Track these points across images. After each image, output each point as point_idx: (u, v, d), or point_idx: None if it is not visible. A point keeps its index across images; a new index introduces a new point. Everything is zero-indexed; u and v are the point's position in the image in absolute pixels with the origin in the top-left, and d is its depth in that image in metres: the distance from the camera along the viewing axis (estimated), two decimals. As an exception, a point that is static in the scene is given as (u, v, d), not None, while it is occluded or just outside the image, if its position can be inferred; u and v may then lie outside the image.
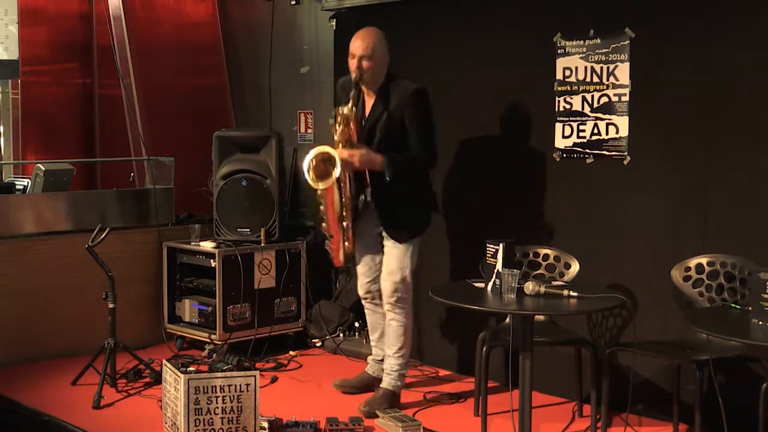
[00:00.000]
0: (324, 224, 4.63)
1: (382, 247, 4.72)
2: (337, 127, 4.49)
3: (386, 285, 4.68)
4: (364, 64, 4.49)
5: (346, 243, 4.67)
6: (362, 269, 4.87)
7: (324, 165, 4.41)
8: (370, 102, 4.62)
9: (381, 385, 4.72)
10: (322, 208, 4.58)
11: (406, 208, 4.65)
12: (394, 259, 4.65)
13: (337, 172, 4.37)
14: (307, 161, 4.42)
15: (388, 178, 4.48)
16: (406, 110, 4.51)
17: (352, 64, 4.51)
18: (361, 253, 4.82)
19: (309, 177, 4.42)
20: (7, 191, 5.76)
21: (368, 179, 4.59)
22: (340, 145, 4.46)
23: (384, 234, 4.68)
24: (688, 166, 4.46)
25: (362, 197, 4.64)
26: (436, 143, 4.65)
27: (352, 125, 4.46)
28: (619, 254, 4.71)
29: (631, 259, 4.66)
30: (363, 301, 4.98)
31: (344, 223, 4.60)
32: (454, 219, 5.39)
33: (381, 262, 4.74)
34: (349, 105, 4.45)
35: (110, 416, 4.59)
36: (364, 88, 4.59)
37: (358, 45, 4.51)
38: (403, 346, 4.72)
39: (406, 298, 4.69)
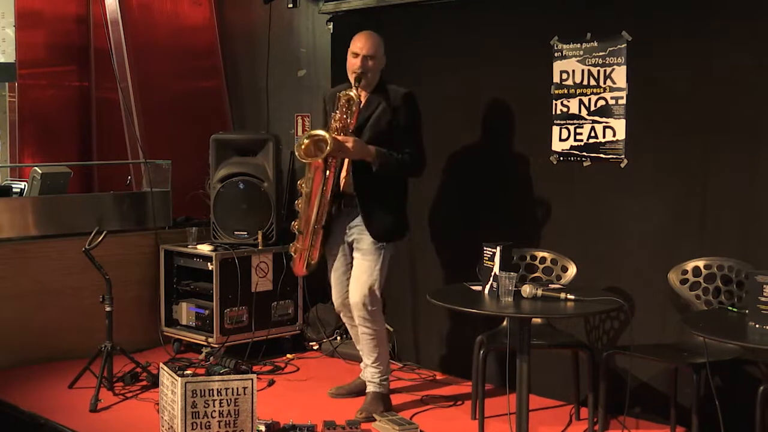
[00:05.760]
0: (296, 221, 4.60)
1: (352, 259, 4.70)
2: (336, 113, 4.47)
3: (354, 298, 4.63)
4: (369, 63, 4.50)
5: (312, 251, 4.61)
6: (335, 283, 4.83)
7: (316, 147, 4.40)
8: (360, 96, 4.57)
9: (368, 390, 4.72)
10: (298, 202, 4.56)
11: (387, 210, 4.61)
12: (363, 272, 4.61)
13: (329, 148, 4.33)
14: (300, 139, 4.40)
15: (375, 169, 4.46)
16: (396, 112, 4.51)
17: (355, 62, 4.50)
18: (332, 267, 4.80)
19: (298, 153, 4.40)
20: (4, 194, 5.75)
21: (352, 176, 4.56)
22: (336, 131, 4.44)
23: (355, 245, 4.64)
24: (685, 168, 4.46)
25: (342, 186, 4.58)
26: (425, 150, 4.64)
27: (354, 112, 4.45)
28: (616, 257, 4.71)
29: (628, 262, 4.66)
30: (340, 314, 4.96)
31: (316, 227, 4.55)
32: (451, 222, 5.39)
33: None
34: (355, 91, 4.46)
35: (107, 419, 4.59)
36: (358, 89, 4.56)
37: (362, 44, 4.51)
38: (378, 356, 4.71)
39: (375, 310, 4.64)
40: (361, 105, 4.54)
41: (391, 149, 4.51)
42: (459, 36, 5.31)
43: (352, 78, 4.52)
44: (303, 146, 4.41)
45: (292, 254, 4.71)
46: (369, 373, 4.74)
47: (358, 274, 4.64)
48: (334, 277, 4.82)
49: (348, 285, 4.73)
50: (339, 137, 4.40)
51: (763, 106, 4.20)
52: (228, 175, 5.78)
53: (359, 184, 4.55)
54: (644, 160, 4.60)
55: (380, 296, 4.65)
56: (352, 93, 4.47)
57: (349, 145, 4.41)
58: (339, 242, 4.71)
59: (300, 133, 6.41)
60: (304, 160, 4.44)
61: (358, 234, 4.63)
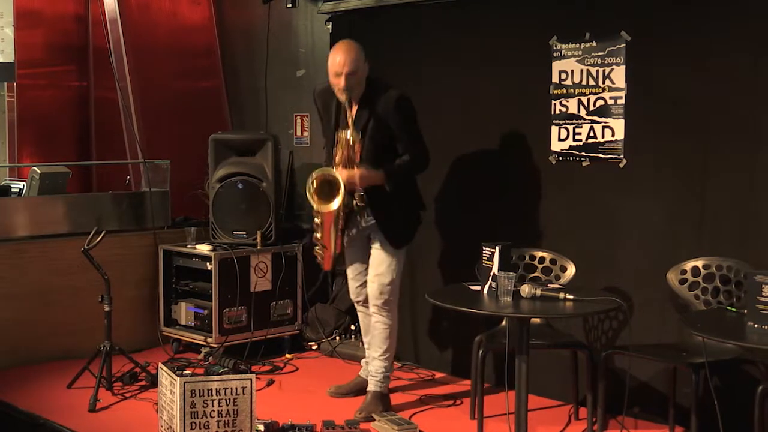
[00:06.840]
0: (317, 234, 4.62)
1: (371, 249, 4.72)
2: (336, 149, 4.50)
3: (373, 287, 4.68)
4: (352, 79, 4.45)
5: (336, 248, 4.64)
6: (352, 274, 4.86)
7: (325, 186, 4.45)
8: (352, 110, 4.56)
9: (368, 389, 4.72)
10: (317, 220, 4.59)
11: (401, 215, 4.66)
12: (382, 261, 4.64)
13: (341, 196, 4.41)
14: (309, 184, 4.44)
15: (389, 189, 4.52)
16: (391, 118, 4.50)
17: (338, 82, 4.46)
18: (350, 257, 4.82)
19: (313, 201, 4.45)
20: (2, 194, 5.75)
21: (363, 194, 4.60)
22: (340, 166, 4.47)
23: (372, 236, 4.68)
24: (683, 168, 4.46)
25: (354, 202, 4.61)
26: (425, 144, 4.64)
27: (356, 147, 4.46)
28: (615, 257, 4.71)
29: (626, 262, 4.66)
30: (356, 305, 4.99)
31: (339, 227, 4.59)
32: (451, 222, 5.39)
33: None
34: (351, 129, 4.44)
35: (106, 419, 4.58)
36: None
37: (341, 62, 4.44)
38: (388, 348, 4.73)
39: (393, 300, 4.69)
40: (354, 114, 4.51)
41: (392, 153, 4.54)
42: (458, 36, 5.31)
43: (339, 95, 4.49)
44: (314, 191, 4.43)
45: (317, 255, 4.70)
46: (374, 366, 4.74)
47: (376, 264, 4.67)
48: (352, 267, 4.84)
49: (366, 275, 4.76)
50: (345, 173, 4.43)
51: (763, 106, 4.20)
52: (227, 175, 5.78)
53: (371, 199, 4.57)
54: (643, 159, 4.60)
55: (398, 288, 4.68)
56: (349, 134, 4.43)
57: (357, 179, 4.45)
58: (357, 234, 4.73)
59: (299, 133, 6.41)
60: (321, 210, 4.47)
61: (374, 231, 4.66)
